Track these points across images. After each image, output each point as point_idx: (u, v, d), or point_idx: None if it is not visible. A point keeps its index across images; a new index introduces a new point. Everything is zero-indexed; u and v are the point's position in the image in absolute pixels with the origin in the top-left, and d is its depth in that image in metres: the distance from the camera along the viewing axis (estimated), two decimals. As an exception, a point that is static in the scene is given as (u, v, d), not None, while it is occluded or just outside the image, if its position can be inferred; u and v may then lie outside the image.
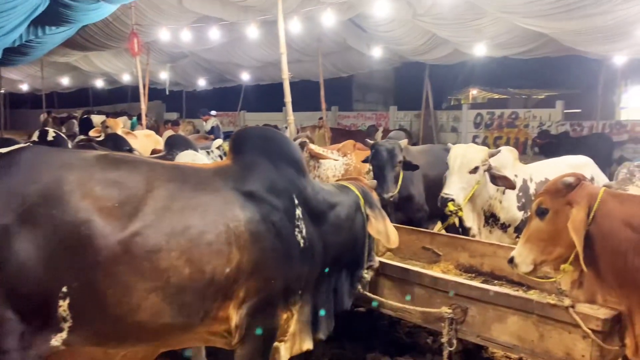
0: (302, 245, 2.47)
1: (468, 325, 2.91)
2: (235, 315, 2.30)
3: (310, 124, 14.89)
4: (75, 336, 1.96)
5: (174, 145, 4.04)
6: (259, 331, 2.37)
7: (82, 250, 1.92)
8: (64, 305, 1.89)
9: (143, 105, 10.69)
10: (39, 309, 1.87)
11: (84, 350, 2.05)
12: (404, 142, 4.47)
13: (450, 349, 2.86)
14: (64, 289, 1.89)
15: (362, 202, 2.92)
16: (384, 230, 2.95)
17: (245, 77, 17.15)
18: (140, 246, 2.02)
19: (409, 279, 3.20)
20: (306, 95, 12.39)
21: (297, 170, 2.62)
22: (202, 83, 18.64)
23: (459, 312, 2.89)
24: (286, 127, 9.68)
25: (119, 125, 8.03)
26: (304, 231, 2.48)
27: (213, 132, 11.52)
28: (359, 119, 18.18)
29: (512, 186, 3.96)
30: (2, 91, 17.90)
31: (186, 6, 9.55)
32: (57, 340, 1.94)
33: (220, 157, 4.58)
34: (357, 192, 2.93)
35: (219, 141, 5.47)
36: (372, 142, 4.48)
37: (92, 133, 8.00)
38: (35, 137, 4.40)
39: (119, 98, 24.50)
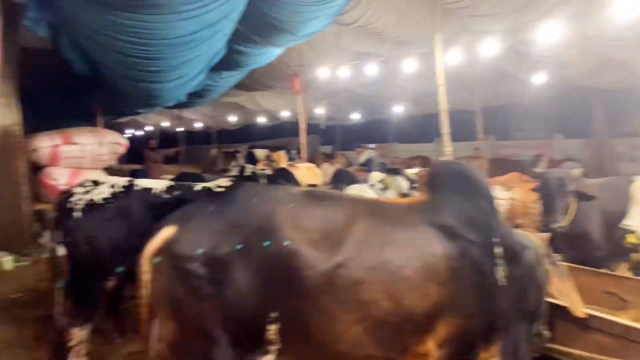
0: (500, 284, 2.38)
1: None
2: (435, 352, 2.28)
3: (465, 155, 14.44)
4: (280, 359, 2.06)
5: (340, 179, 4.18)
6: None
7: (291, 279, 2.04)
8: (272, 329, 2.01)
9: (303, 139, 11.28)
10: (251, 332, 2.00)
11: None
12: (577, 171, 4.15)
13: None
14: (273, 314, 2.01)
15: (543, 253, 2.71)
16: (566, 292, 2.72)
17: (397, 109, 17.29)
18: (344, 278, 2.10)
19: (595, 327, 2.89)
20: (460, 125, 12.06)
21: (492, 208, 2.57)
22: (354, 117, 19.18)
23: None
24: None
25: (283, 159, 8.54)
26: (502, 270, 2.40)
27: (367, 165, 11.69)
28: (519, 149, 17.20)
29: None
30: (182, 129, 20.11)
31: (344, 45, 9.97)
32: None
33: (383, 190, 4.62)
34: (537, 241, 2.72)
35: (377, 175, 5.54)
36: (540, 171, 4.21)
37: (260, 166, 8.64)
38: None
39: (278, 133, 26.17)
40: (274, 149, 17.41)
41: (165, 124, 24.78)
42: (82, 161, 9.18)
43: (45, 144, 8.80)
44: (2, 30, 6.10)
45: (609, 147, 14.31)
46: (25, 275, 7.46)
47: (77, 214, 3.33)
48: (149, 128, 26.43)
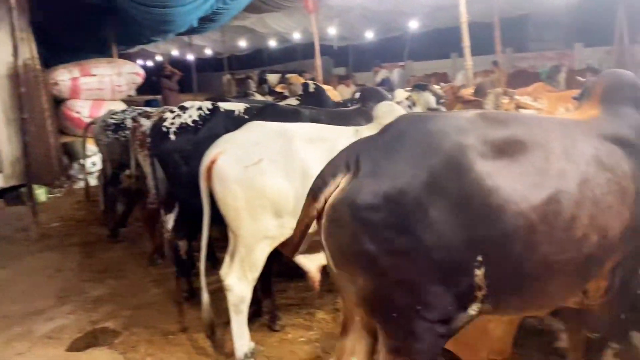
0: None
1: None
2: (607, 277, 2.19)
3: (482, 70, 14.16)
4: (485, 304, 1.91)
5: (368, 97, 4.18)
6: (627, 289, 2.32)
7: (495, 218, 1.81)
8: (479, 274, 1.83)
9: (318, 60, 11.11)
10: (458, 279, 1.83)
11: (486, 318, 2.07)
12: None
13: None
14: (479, 258, 1.81)
15: None
16: None
17: (412, 24, 16.77)
18: (554, 214, 1.90)
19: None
20: (476, 38, 11.73)
21: None
22: (368, 35, 18.69)
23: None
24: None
25: (301, 81, 8.48)
26: None
27: (384, 84, 11.52)
28: (538, 60, 16.74)
29: None
30: (192, 57, 19.85)
31: (357, -42, 9.60)
32: (473, 309, 1.90)
33: (410, 107, 4.63)
34: None
35: (402, 92, 5.53)
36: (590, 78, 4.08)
37: (278, 89, 8.63)
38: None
39: (289, 57, 25.70)
40: (286, 73, 17.22)
41: (175, 52, 24.43)
42: (102, 92, 9.23)
43: (64, 77, 8.83)
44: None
45: (631, 55, 13.91)
46: (60, 205, 7.77)
47: (172, 137, 3.59)
48: (158, 58, 26.09)
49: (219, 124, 3.65)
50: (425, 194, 1.78)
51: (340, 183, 1.90)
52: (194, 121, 3.64)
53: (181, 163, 3.57)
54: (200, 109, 3.71)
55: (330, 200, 1.90)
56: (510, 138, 1.95)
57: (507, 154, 1.90)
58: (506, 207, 1.82)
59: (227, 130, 3.31)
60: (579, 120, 2.34)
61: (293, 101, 4.75)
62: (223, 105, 3.82)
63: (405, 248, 1.77)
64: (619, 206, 2.07)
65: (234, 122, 3.62)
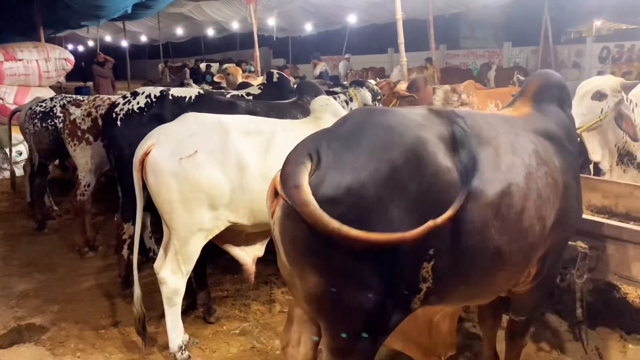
0: (577, 197, 2.45)
1: (604, 264, 2.92)
2: (537, 264, 2.30)
3: (417, 65, 14.56)
4: (427, 297, 1.92)
5: (304, 91, 4.21)
6: (550, 275, 2.46)
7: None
8: (427, 267, 1.83)
9: (257, 51, 11.04)
10: (407, 273, 1.82)
11: (425, 310, 2.07)
12: None
13: (579, 281, 2.88)
14: (431, 252, 1.82)
15: None
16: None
17: (351, 18, 16.97)
18: (507, 206, 1.97)
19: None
20: (412, 34, 12.03)
21: (571, 116, 2.66)
22: (308, 28, 18.73)
23: (594, 249, 2.89)
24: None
25: (239, 72, 8.42)
26: (578, 182, 2.48)
27: (322, 77, 11.57)
28: (469, 57, 17.42)
29: (634, 136, 3.73)
30: (126, 43, 19.17)
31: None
32: (415, 303, 1.90)
33: (347, 102, 4.70)
34: None
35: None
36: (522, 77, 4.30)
37: (216, 79, 8.51)
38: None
39: (228, 46, 25.37)
40: (224, 62, 16.98)
41: (108, 38, 23.50)
42: (28, 78, 8.76)
43: (-14, 61, 8.31)
44: None
45: (555, 54, 14.73)
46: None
47: (119, 123, 3.75)
48: (90, 43, 25.01)
49: (165, 111, 3.76)
50: (386, 187, 1.75)
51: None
52: (139, 108, 3.77)
53: (126, 148, 3.65)
54: (149, 96, 3.83)
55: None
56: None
57: (464, 150, 1.92)
58: (464, 202, 1.82)
59: (174, 117, 3.31)
60: (516, 116, 2.47)
61: (255, 90, 4.69)
62: (174, 92, 3.92)
63: (361, 244, 1.71)
64: (554, 198, 2.21)
65: (182, 109, 3.71)
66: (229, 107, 3.87)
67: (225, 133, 3.07)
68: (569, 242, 2.83)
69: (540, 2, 13.67)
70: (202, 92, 4.04)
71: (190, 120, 3.17)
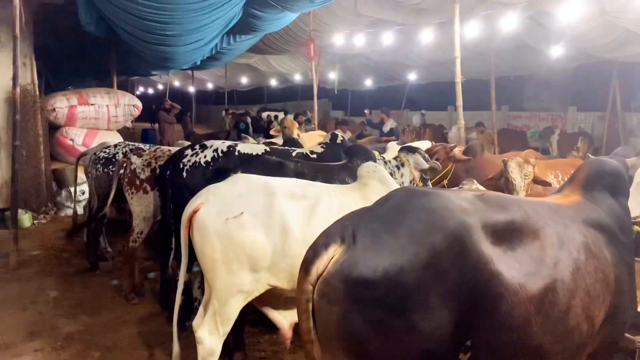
0: (632, 289, 2.33)
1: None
2: None
3: (476, 125, 14.37)
4: None
5: (355, 154, 4.22)
6: None
7: (492, 305, 1.76)
8: (464, 358, 1.77)
9: (316, 106, 11.30)
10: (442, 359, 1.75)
11: None
12: (632, 160, 4.10)
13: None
14: (468, 343, 1.76)
15: None
16: None
17: (411, 76, 17.14)
18: (552, 303, 1.87)
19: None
20: (473, 93, 11.95)
21: (627, 205, 2.52)
22: (368, 82, 19.05)
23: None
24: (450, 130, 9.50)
25: (296, 126, 8.57)
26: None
27: (393, 134, 11.17)
28: (532, 120, 17.04)
29: None
30: (193, 90, 20.10)
31: (360, 11, 9.87)
32: None
33: (398, 167, 4.65)
34: None
35: (394, 147, 5.57)
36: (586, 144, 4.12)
37: (272, 132, 8.70)
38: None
39: (290, 96, 26.09)
40: (287, 112, 17.42)
41: (177, 83, 24.76)
42: (98, 122, 9.29)
43: (62, 104, 8.89)
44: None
45: (623, 121, 14.20)
46: (44, 232, 7.69)
47: (184, 174, 3.97)
48: (160, 86, 26.41)
49: (229, 165, 3.93)
50: (425, 273, 1.69)
51: (333, 255, 1.78)
52: (206, 162, 3.98)
53: (188, 198, 3.64)
54: (216, 150, 4.05)
55: (323, 274, 1.78)
56: (510, 223, 1.92)
57: (507, 239, 1.87)
58: (505, 295, 1.76)
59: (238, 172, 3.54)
60: (565, 204, 2.37)
61: (318, 149, 4.79)
62: (241, 148, 4.12)
63: (398, 331, 1.66)
64: (604, 294, 2.08)
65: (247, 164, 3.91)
66: (278, 168, 3.91)
67: (270, 196, 3.09)
68: (627, 336, 2.64)
69: (609, 67, 13.33)
70: (267, 149, 4.27)
71: (239, 181, 3.22)
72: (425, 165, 4.71)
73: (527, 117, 17.48)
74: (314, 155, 4.67)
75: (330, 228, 1.89)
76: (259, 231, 3.03)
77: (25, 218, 7.82)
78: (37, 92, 8.14)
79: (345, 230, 1.80)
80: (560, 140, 12.40)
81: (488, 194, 2.12)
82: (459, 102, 7.71)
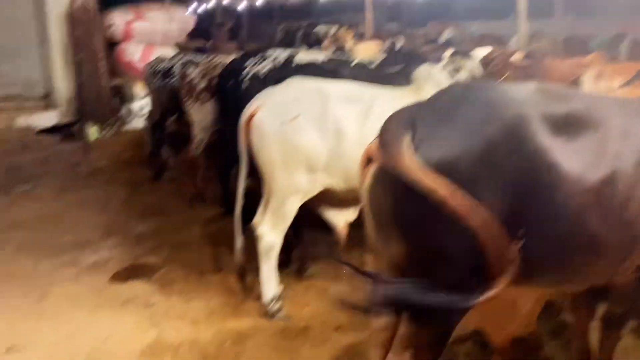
0: None
1: None
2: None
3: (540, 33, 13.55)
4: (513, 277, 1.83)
5: (412, 60, 4.14)
6: None
7: (548, 195, 1.77)
8: (514, 248, 1.76)
9: (369, 14, 10.96)
10: (494, 252, 1.75)
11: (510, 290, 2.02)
12: None
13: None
14: (520, 232, 1.77)
15: None
16: None
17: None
18: (609, 196, 1.86)
19: None
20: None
21: None
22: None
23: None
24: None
25: (350, 36, 8.41)
26: None
27: (450, 43, 10.65)
28: (599, 28, 15.90)
29: None
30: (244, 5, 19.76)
31: None
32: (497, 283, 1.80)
33: (454, 71, 4.54)
34: None
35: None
36: None
37: (324, 45, 8.59)
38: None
39: (340, 9, 25.24)
40: (337, 25, 16.93)
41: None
42: (154, 37, 9.41)
43: (119, 20, 9.03)
44: None
45: None
46: (110, 145, 8.11)
47: (244, 84, 3.93)
48: (211, 3, 26.09)
49: (288, 76, 3.77)
50: (480, 164, 1.71)
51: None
52: (264, 73, 3.91)
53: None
54: (274, 59, 3.98)
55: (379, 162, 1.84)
56: (570, 114, 1.88)
57: (566, 131, 1.84)
58: (562, 186, 1.77)
59: None
60: (632, 99, 2.30)
61: (376, 58, 4.74)
62: (300, 57, 4.06)
63: (450, 217, 1.69)
64: None
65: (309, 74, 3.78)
66: (333, 73, 3.92)
67: (325, 99, 3.15)
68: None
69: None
70: (325, 60, 4.21)
71: (294, 85, 3.29)
72: (481, 71, 4.60)
73: (594, 25, 16.26)
74: (373, 66, 4.61)
75: (392, 120, 1.91)
76: (314, 133, 3.12)
77: (93, 131, 8.23)
78: (95, 9, 8.27)
79: (406, 122, 1.83)
80: (631, 49, 11.56)
81: (548, 86, 2.05)
82: (521, 6, 7.28)
